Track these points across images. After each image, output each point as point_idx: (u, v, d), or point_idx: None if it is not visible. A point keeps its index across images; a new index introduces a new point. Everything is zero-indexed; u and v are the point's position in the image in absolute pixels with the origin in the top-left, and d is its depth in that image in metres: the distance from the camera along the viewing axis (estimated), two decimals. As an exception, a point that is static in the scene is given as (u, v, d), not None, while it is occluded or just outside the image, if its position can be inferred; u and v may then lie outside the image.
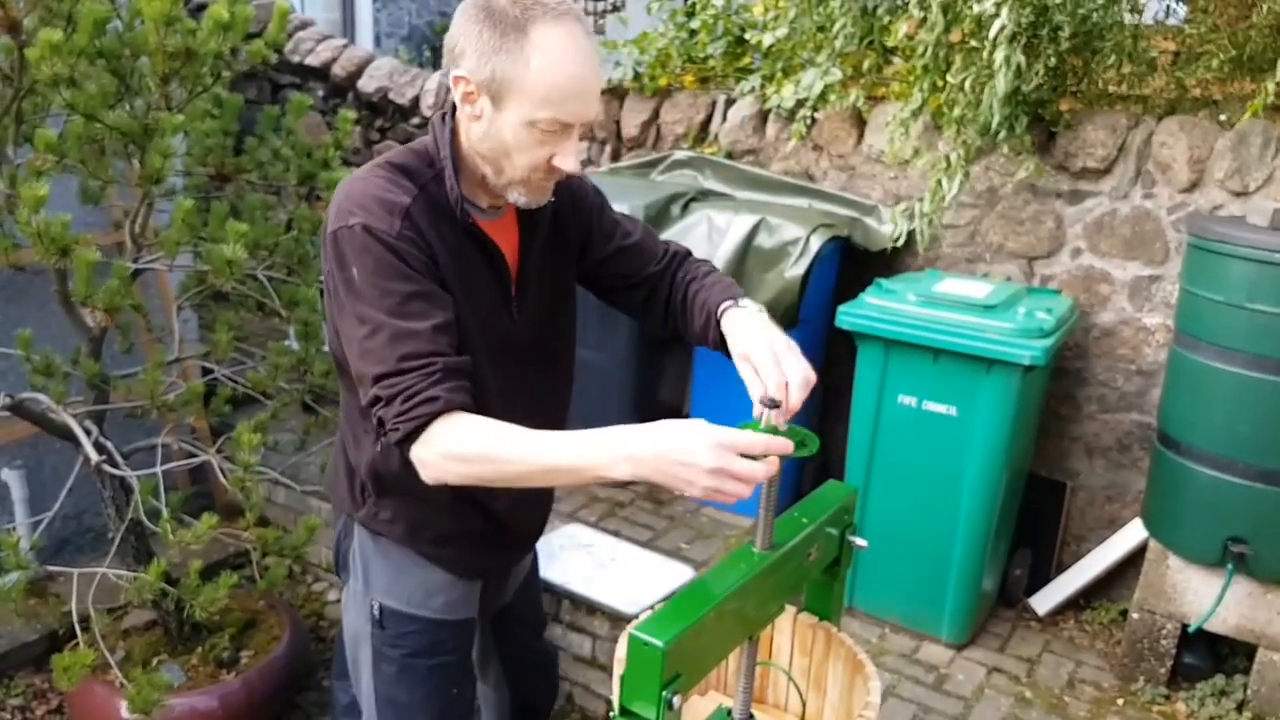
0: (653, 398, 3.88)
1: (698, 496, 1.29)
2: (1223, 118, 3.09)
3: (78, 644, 2.34)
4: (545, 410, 1.69)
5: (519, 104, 1.42)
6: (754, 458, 1.29)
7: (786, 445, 1.34)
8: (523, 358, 1.68)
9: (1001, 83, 2.94)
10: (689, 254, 1.86)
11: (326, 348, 1.63)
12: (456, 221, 1.53)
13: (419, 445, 1.40)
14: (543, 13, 1.39)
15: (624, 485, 3.83)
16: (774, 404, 1.45)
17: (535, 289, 1.69)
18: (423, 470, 1.42)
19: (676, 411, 4.02)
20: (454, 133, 1.53)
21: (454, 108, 1.52)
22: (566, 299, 1.79)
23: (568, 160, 1.47)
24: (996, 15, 2.83)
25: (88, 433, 2.45)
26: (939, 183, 3.20)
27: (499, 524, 1.77)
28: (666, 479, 1.29)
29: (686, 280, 1.78)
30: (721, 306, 1.66)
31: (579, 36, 1.42)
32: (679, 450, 1.28)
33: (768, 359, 1.50)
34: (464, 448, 1.39)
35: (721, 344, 1.66)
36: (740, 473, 1.27)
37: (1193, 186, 3.10)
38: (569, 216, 1.74)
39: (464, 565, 1.77)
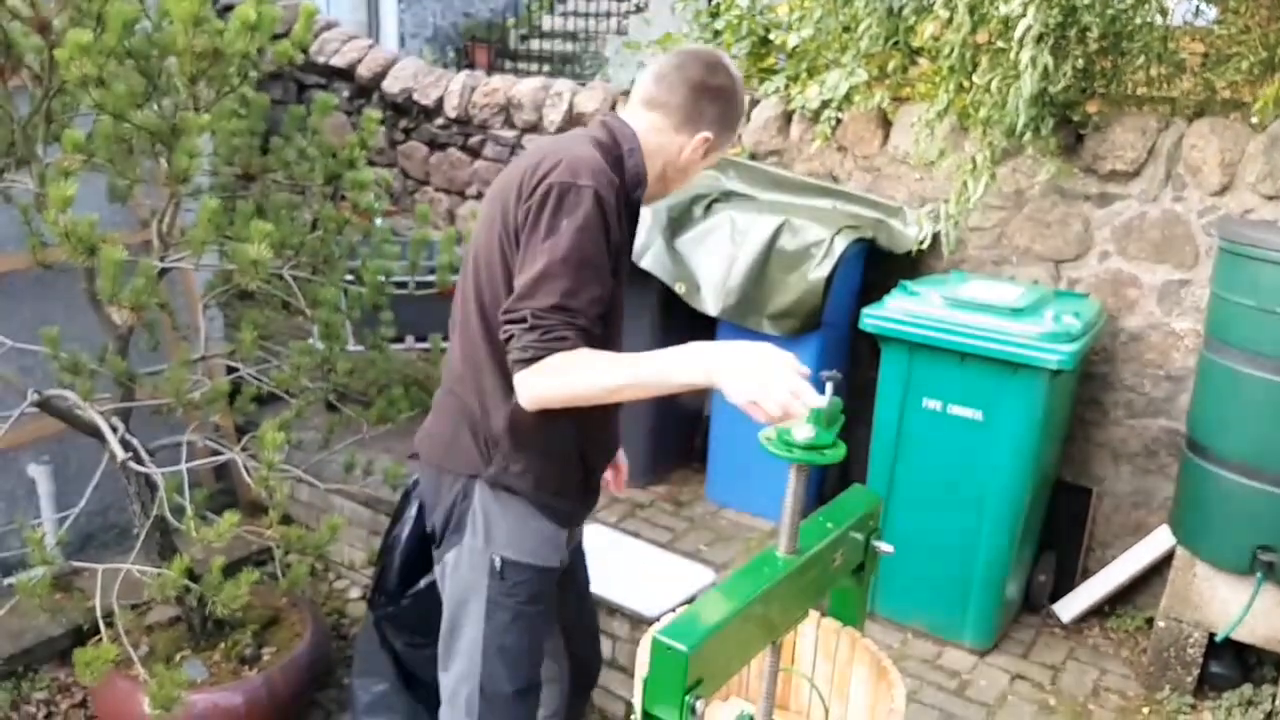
0: (673, 399, 3.87)
1: (760, 407, 1.48)
2: (1254, 120, 3.05)
3: (101, 639, 2.35)
4: None
5: (720, 150, 1.93)
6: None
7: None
8: (620, 320, 2.01)
9: (1028, 84, 2.91)
10: None
11: (472, 304, 1.91)
12: (628, 201, 1.86)
13: (532, 370, 1.65)
14: (741, 84, 1.92)
15: (643, 487, 3.82)
16: (831, 378, 1.55)
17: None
18: (524, 389, 1.68)
19: (697, 412, 4.01)
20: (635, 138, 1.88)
21: (628, 123, 1.90)
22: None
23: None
24: (1023, 15, 2.80)
25: (114, 429, 2.46)
26: (964, 184, 3.17)
27: (591, 475, 2.05)
28: (729, 387, 1.51)
29: None
30: None
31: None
32: (762, 362, 1.52)
33: None
34: (563, 363, 1.64)
35: None
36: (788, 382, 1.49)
37: (1224, 190, 3.07)
38: None
39: (566, 514, 2.01)
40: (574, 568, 2.26)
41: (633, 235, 1.97)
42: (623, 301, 1.98)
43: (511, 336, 1.67)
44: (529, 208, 1.72)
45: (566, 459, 1.95)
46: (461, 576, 1.99)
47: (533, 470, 1.91)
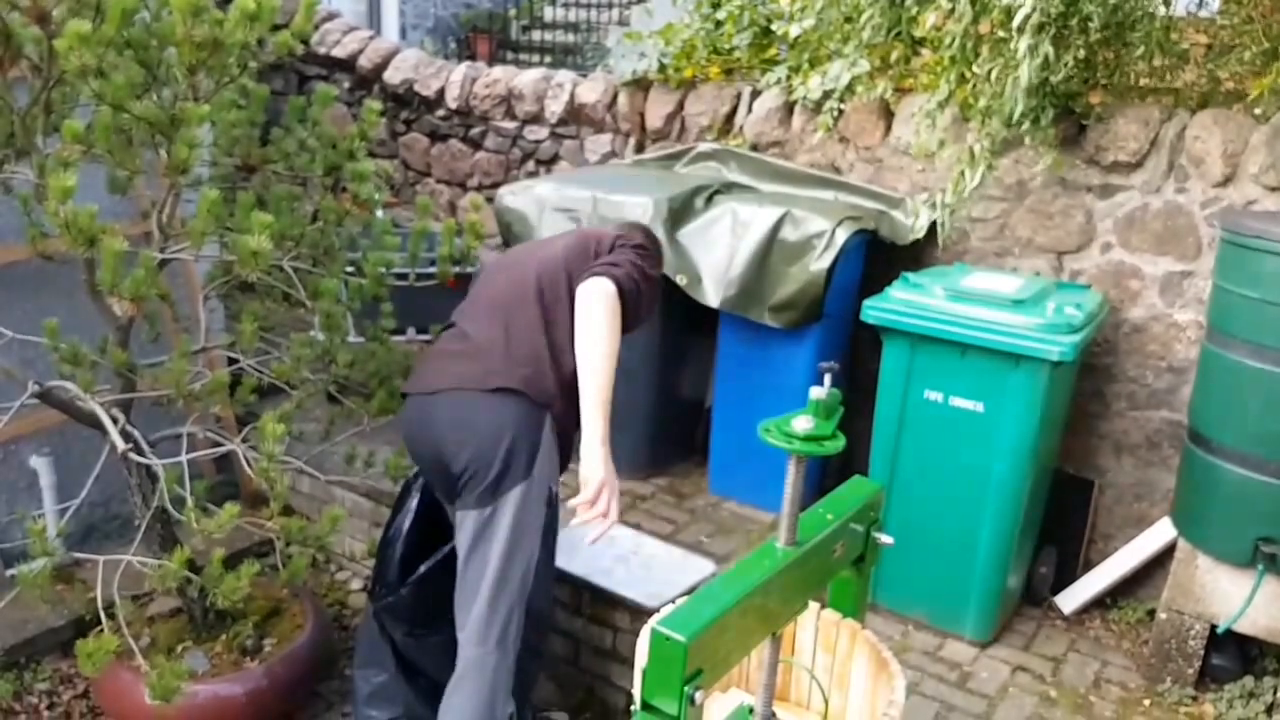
0: (674, 391, 3.87)
1: (592, 484, 2.10)
2: (1258, 111, 3.04)
3: (103, 630, 2.35)
4: None
5: None
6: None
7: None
8: None
9: (1026, 73, 2.90)
10: None
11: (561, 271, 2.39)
12: None
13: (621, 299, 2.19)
14: None
15: (644, 479, 3.82)
16: (830, 369, 1.61)
17: None
18: (608, 301, 2.15)
19: (698, 405, 4.01)
20: None
21: None
22: None
23: None
24: (1023, 4, 2.79)
25: (115, 421, 2.46)
26: (961, 173, 3.16)
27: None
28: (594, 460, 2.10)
29: None
30: None
31: None
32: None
33: None
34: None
35: None
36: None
37: (1226, 181, 3.06)
38: None
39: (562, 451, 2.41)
40: None
41: None
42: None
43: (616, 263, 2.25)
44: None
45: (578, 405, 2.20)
46: (523, 510, 2.26)
47: (572, 410, 2.19)
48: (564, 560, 2.83)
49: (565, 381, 2.25)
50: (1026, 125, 3.10)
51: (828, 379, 1.56)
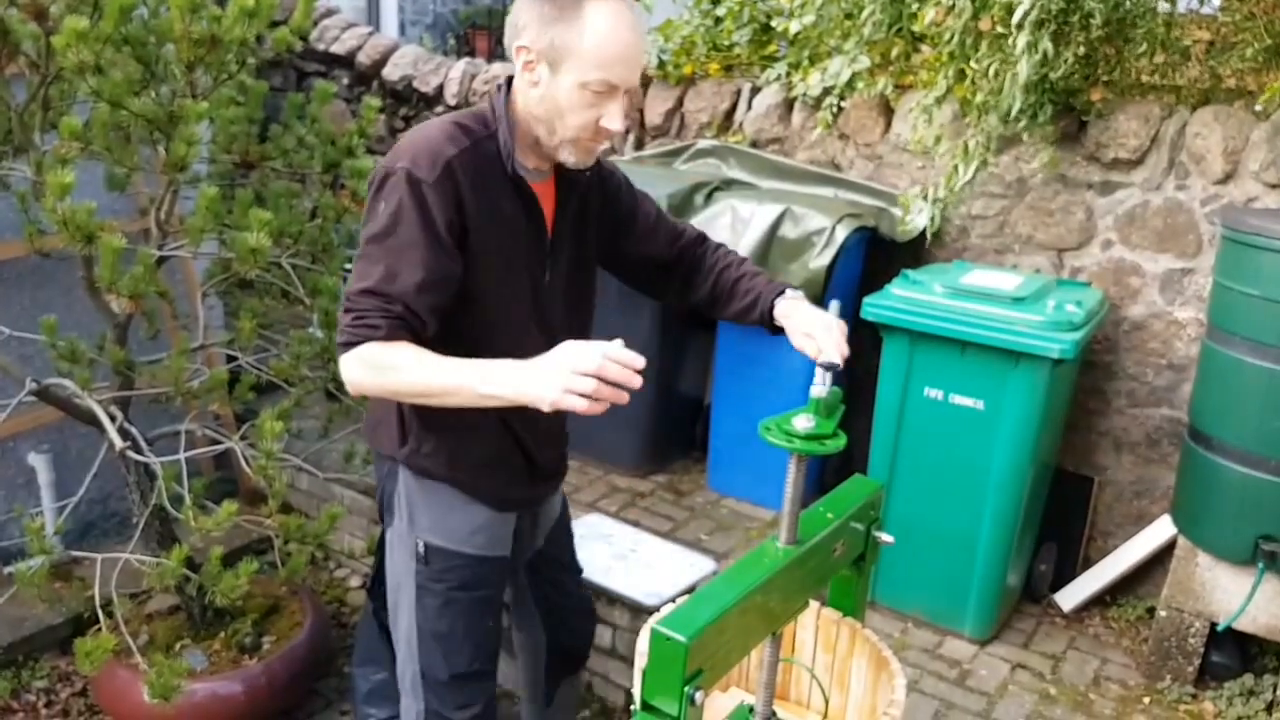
0: (673, 388, 3.86)
1: (567, 406, 1.42)
2: (1258, 108, 3.03)
3: (101, 628, 2.35)
4: None
5: (573, 68, 1.59)
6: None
7: (636, 359, 1.43)
8: (550, 315, 1.83)
9: (1024, 69, 2.89)
10: (706, 238, 2.07)
11: None
12: (505, 176, 1.70)
13: (350, 355, 1.58)
14: None
15: (643, 476, 3.82)
16: (832, 366, 1.58)
17: (565, 251, 1.86)
18: (344, 375, 1.60)
19: (697, 401, 4.00)
20: (509, 100, 1.71)
21: (510, 79, 1.71)
22: (589, 268, 1.96)
23: (614, 120, 1.64)
24: (1022, 0, 2.79)
25: (112, 418, 2.46)
26: (955, 168, 3.16)
27: (525, 453, 1.93)
28: (532, 401, 1.45)
29: (720, 267, 2.00)
30: (775, 294, 1.90)
31: (625, 11, 1.61)
32: (547, 371, 1.44)
33: (826, 335, 1.75)
34: (378, 358, 1.56)
35: (762, 323, 1.92)
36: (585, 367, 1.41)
37: (1227, 178, 3.05)
38: (597, 187, 1.92)
39: (499, 497, 1.92)
40: (555, 554, 2.23)
41: (531, 212, 1.76)
42: (568, 284, 1.87)
43: (338, 326, 1.63)
44: (368, 200, 1.69)
45: (485, 438, 1.85)
46: (394, 560, 1.97)
47: (445, 448, 1.85)
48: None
49: (410, 409, 1.84)
50: (1024, 122, 3.09)
51: (828, 377, 1.56)
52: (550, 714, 2.41)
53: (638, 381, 1.42)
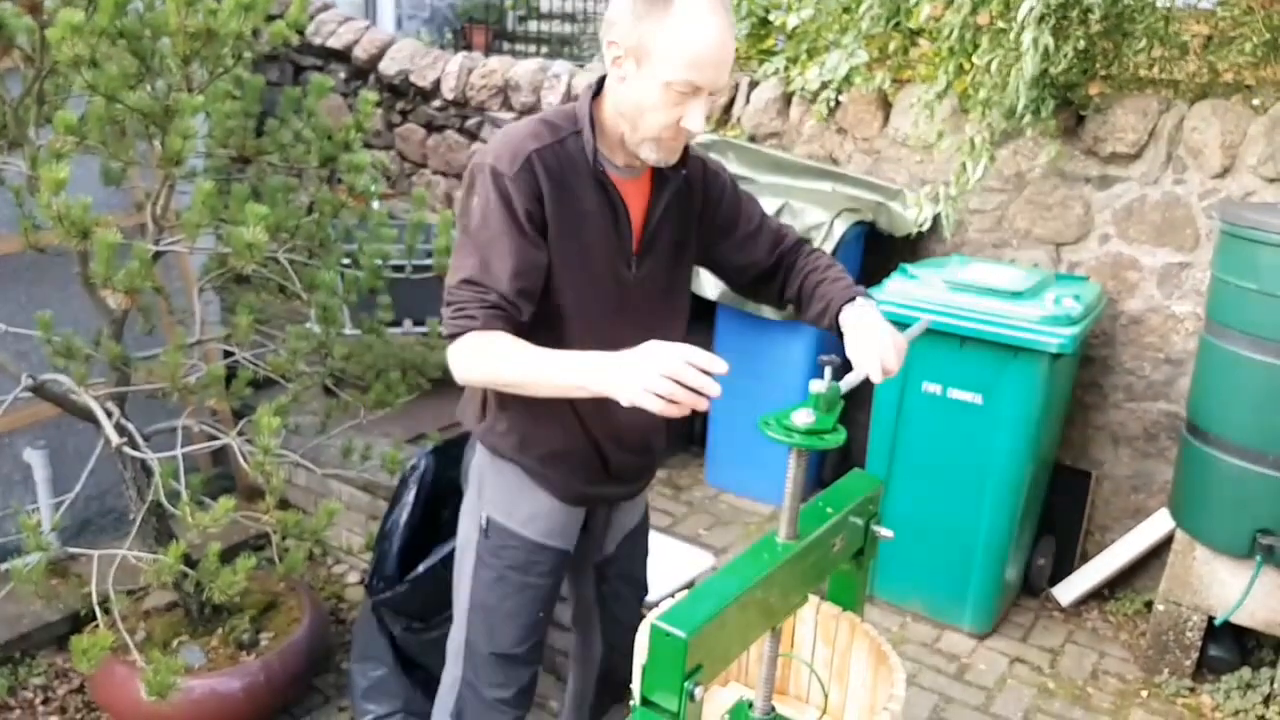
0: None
1: (644, 404, 1.44)
2: (1256, 102, 3.03)
3: (98, 625, 2.34)
4: None
5: (659, 67, 1.60)
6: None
7: (719, 364, 1.46)
8: (634, 310, 1.83)
9: (1029, 65, 2.89)
10: (806, 242, 2.05)
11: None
12: (589, 172, 1.72)
13: (453, 347, 1.66)
14: None
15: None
16: (830, 363, 1.56)
17: (657, 249, 1.85)
18: (451, 366, 1.68)
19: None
20: (598, 96, 1.74)
21: (603, 78, 1.73)
22: (684, 266, 1.96)
23: (695, 121, 1.64)
24: (1026, -4, 2.78)
25: (109, 414, 2.45)
26: (964, 166, 3.15)
27: (599, 451, 1.93)
28: (603, 389, 1.50)
29: (806, 271, 1.98)
30: (845, 300, 1.87)
31: (718, 10, 1.61)
32: (629, 366, 1.47)
33: (869, 352, 1.76)
34: (476, 347, 1.63)
35: (832, 328, 1.89)
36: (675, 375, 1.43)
37: (1225, 172, 3.05)
38: (699, 188, 1.90)
39: (565, 489, 1.93)
40: (626, 569, 2.21)
41: (615, 208, 1.77)
42: (660, 281, 1.88)
43: (441, 318, 1.72)
44: (459, 196, 1.77)
45: (558, 423, 1.85)
46: (463, 529, 2.03)
47: (516, 430, 1.87)
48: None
49: (491, 400, 1.90)
50: (1029, 117, 3.09)
51: (828, 373, 1.55)
52: None
53: (716, 390, 1.44)
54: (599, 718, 2.36)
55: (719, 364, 1.45)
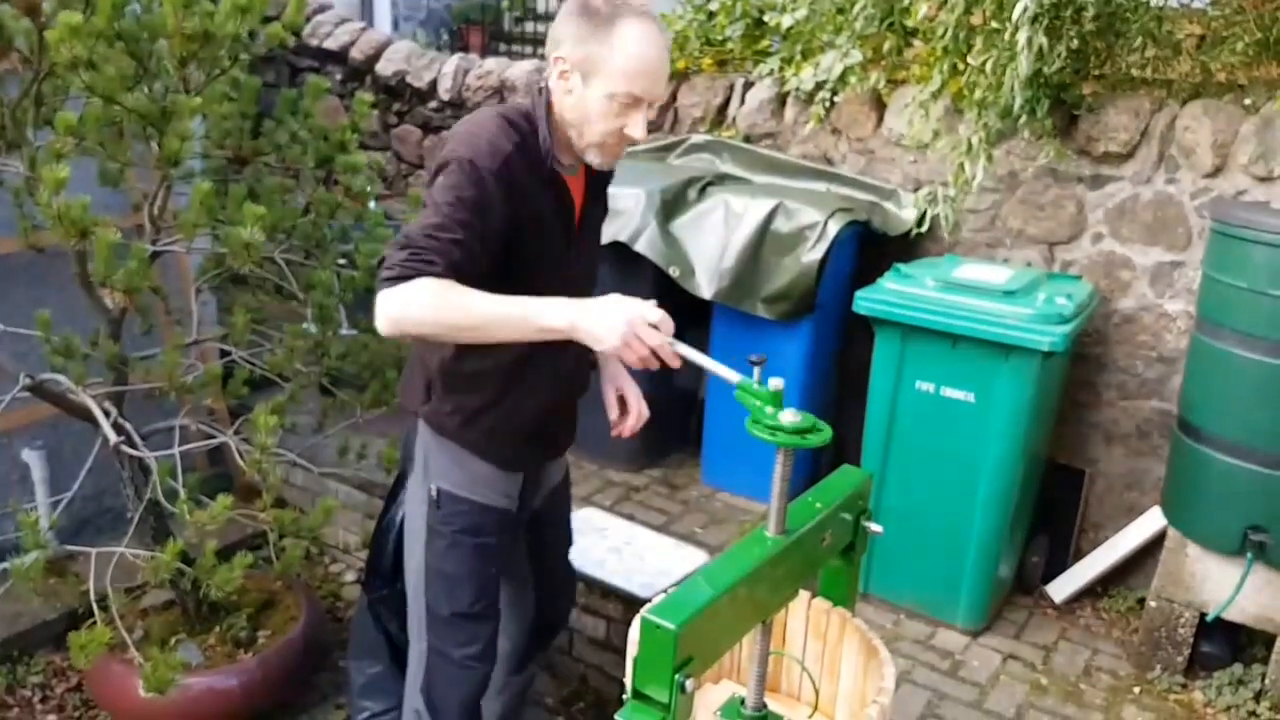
0: (668, 385, 3.86)
1: (610, 351, 1.63)
2: (1248, 102, 3.05)
3: (95, 623, 2.35)
4: None
5: (603, 81, 1.78)
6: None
7: (668, 323, 1.65)
8: (569, 288, 1.90)
9: (1024, 65, 2.90)
10: None
11: None
12: (544, 169, 1.88)
13: (397, 289, 1.67)
14: (628, 11, 1.77)
15: (638, 470, 3.83)
16: (760, 361, 1.66)
17: (585, 234, 2.07)
18: (383, 311, 1.69)
19: (692, 396, 4.01)
20: (549, 103, 1.88)
21: (546, 85, 1.89)
22: (597, 249, 2.21)
23: (637, 129, 1.82)
24: (1019, -4, 2.80)
25: (107, 414, 2.46)
26: (962, 166, 3.17)
27: (538, 425, 2.10)
28: (587, 336, 1.65)
29: None
30: None
31: (654, 32, 1.81)
32: (600, 313, 1.64)
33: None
34: (435, 289, 1.67)
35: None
36: (645, 336, 1.62)
37: (1217, 171, 3.06)
38: (606, 185, 2.12)
39: (505, 459, 2.08)
40: (551, 516, 2.37)
41: (564, 201, 1.95)
42: (585, 262, 2.09)
43: (383, 259, 1.74)
44: (427, 183, 1.87)
45: (500, 404, 2.01)
46: (411, 505, 2.16)
47: (461, 412, 2.01)
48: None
49: (436, 371, 2.01)
50: (1024, 118, 3.10)
51: (756, 371, 1.63)
52: (514, 682, 2.50)
53: (675, 361, 1.66)
54: (528, 663, 2.52)
55: (668, 323, 1.65)
